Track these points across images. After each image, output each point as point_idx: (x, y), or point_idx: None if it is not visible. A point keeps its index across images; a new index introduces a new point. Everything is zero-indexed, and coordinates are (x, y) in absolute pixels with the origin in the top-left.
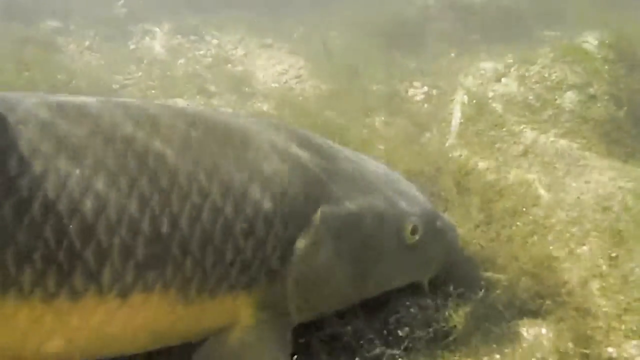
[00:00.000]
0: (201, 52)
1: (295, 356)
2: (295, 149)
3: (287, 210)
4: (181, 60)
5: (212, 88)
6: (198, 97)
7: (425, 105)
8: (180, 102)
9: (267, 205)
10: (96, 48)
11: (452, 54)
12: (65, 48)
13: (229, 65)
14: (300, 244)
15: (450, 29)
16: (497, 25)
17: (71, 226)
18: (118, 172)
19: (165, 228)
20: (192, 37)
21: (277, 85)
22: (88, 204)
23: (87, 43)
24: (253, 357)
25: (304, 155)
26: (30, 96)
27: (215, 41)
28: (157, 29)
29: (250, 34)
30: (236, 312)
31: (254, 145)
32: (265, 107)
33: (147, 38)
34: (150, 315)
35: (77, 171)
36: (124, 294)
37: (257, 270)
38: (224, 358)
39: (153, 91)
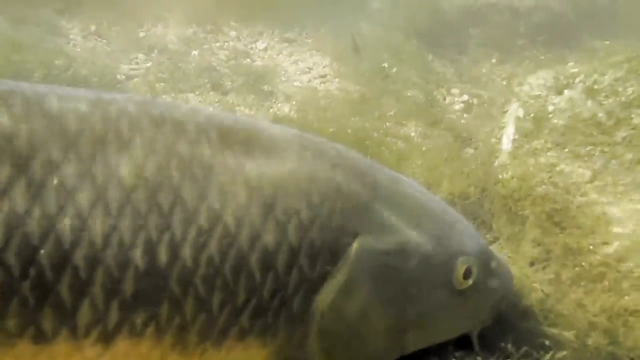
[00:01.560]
0: (217, 44)
1: None
2: (327, 168)
3: (316, 242)
4: (195, 52)
5: (228, 84)
6: (212, 93)
7: (465, 116)
8: (192, 98)
9: (291, 234)
10: (103, 33)
11: (493, 60)
12: (68, 31)
13: (248, 60)
14: (330, 284)
15: (492, 32)
16: (543, 30)
17: (42, 251)
18: (104, 185)
19: (162, 257)
20: (209, 27)
21: (299, 84)
22: (66, 222)
23: (93, 27)
24: None
25: (338, 175)
26: None
27: (233, 32)
28: (169, 15)
29: (271, 26)
30: None
31: (278, 160)
32: (286, 109)
33: (159, 25)
34: None
35: (55, 181)
36: (105, 340)
37: (275, 315)
38: None
39: (162, 84)
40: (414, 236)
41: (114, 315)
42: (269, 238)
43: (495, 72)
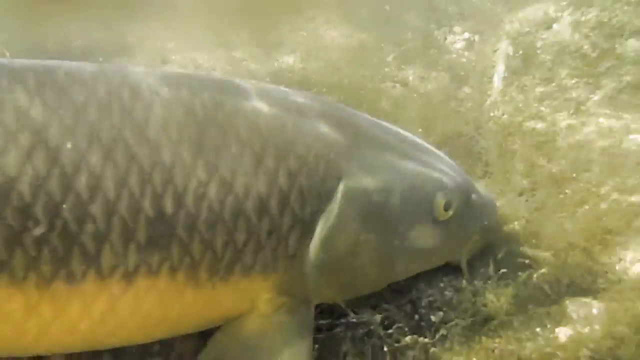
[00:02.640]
0: None
1: (317, 345)
2: (312, 118)
3: (305, 187)
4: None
5: (234, 38)
6: (218, 50)
7: (466, 54)
8: (199, 57)
9: (281, 180)
10: None
11: None
12: None
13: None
14: (321, 223)
15: None
16: None
17: (64, 205)
18: (114, 146)
19: (168, 207)
20: None
21: (304, 33)
22: (82, 181)
23: None
24: (272, 347)
25: (322, 125)
26: None
27: None
28: None
29: None
30: (252, 298)
31: (265, 116)
32: (291, 60)
33: None
34: (159, 298)
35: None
36: (127, 279)
37: (274, 252)
38: (240, 347)
39: (169, 44)
40: (395, 175)
41: (132, 257)
42: (261, 185)
43: (498, 6)
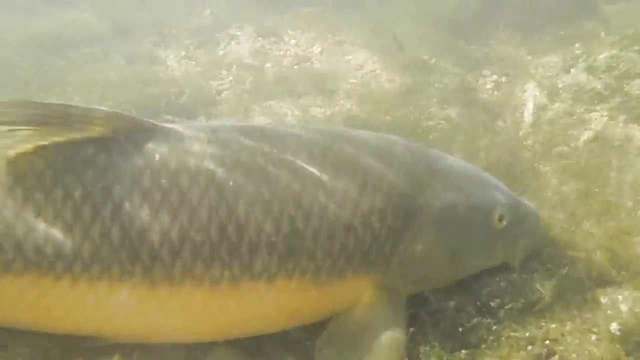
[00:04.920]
0: (281, 53)
1: (411, 329)
2: (399, 154)
3: (397, 206)
4: (267, 64)
5: (299, 89)
6: (288, 98)
7: (496, 93)
8: (274, 104)
9: (379, 203)
10: (191, 56)
11: (517, 41)
12: (166, 59)
13: (308, 63)
14: (408, 233)
15: (514, 15)
16: (564, 5)
17: (229, 226)
18: (261, 183)
19: (300, 224)
20: (272, 39)
21: (355, 81)
22: (241, 207)
23: (183, 53)
24: (376, 330)
25: (406, 158)
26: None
27: (293, 41)
28: (240, 33)
29: (323, 32)
30: (358, 293)
31: (373, 154)
32: (349, 105)
33: (232, 43)
34: (290, 297)
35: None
36: (269, 280)
37: (375, 256)
38: (351, 332)
39: (246, 95)
40: (461, 195)
41: (274, 264)
42: (364, 206)
43: (519, 51)
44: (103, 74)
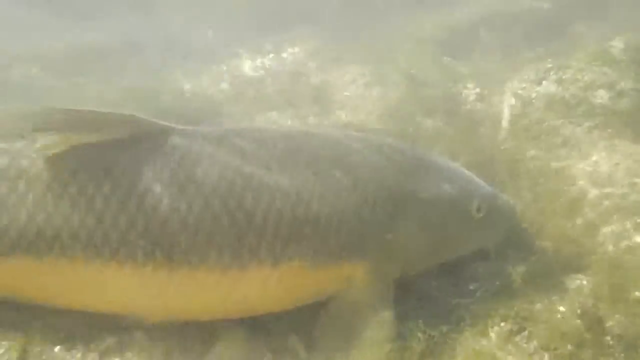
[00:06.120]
0: (280, 69)
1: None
2: (388, 151)
3: (386, 198)
4: (268, 79)
5: (298, 101)
6: (287, 109)
7: (478, 104)
8: (275, 115)
9: (370, 195)
10: (196, 71)
11: (498, 58)
12: (174, 73)
13: (304, 77)
14: (396, 222)
15: (496, 36)
16: (538, 28)
17: (239, 215)
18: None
19: (301, 213)
20: (271, 55)
21: (348, 93)
22: (249, 198)
23: (188, 68)
24: (367, 310)
25: (396, 154)
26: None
27: (291, 57)
28: (241, 51)
29: (319, 49)
30: (351, 277)
31: (364, 151)
32: (344, 115)
33: (234, 59)
34: (292, 279)
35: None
36: (274, 265)
37: (367, 244)
38: (345, 312)
39: (249, 106)
40: (443, 188)
41: (278, 249)
42: (357, 199)
43: (499, 68)
44: (112, 88)
